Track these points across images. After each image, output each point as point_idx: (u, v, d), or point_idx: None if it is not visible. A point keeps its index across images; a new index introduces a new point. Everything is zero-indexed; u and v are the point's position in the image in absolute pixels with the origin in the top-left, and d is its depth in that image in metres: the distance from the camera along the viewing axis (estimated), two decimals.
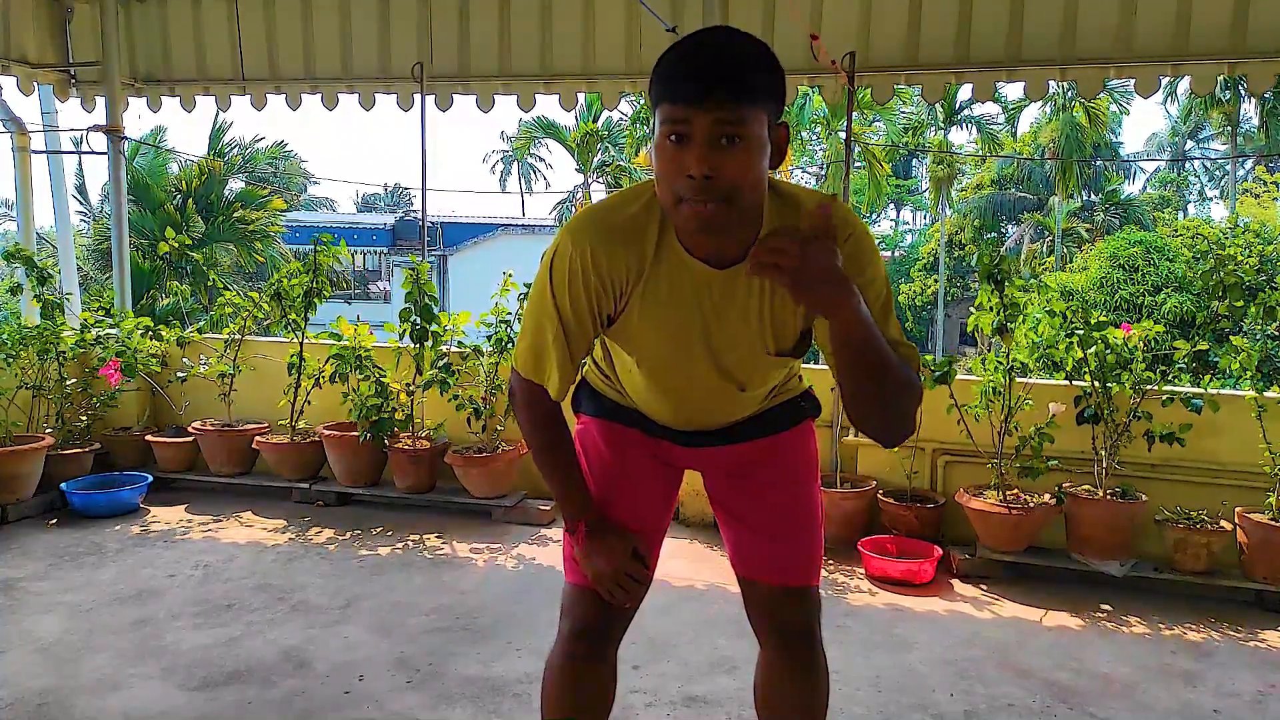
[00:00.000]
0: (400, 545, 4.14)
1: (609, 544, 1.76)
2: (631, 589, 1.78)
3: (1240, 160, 29.23)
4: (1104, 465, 3.83)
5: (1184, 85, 22.50)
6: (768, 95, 1.41)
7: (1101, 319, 3.85)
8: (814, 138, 29.76)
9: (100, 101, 5.50)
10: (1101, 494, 3.81)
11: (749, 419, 1.82)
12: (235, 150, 20.19)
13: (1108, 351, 3.79)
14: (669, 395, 1.76)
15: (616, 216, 1.57)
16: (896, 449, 4.07)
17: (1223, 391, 3.95)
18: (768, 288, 1.56)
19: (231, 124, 20.77)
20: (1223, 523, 3.71)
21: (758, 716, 1.95)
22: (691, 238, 1.53)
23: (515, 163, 39.30)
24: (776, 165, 1.46)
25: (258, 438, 4.89)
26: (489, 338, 4.65)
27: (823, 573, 1.91)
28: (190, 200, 17.71)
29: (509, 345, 4.59)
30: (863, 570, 3.86)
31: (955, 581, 3.82)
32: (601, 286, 1.57)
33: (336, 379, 4.64)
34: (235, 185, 19.68)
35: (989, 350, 4.11)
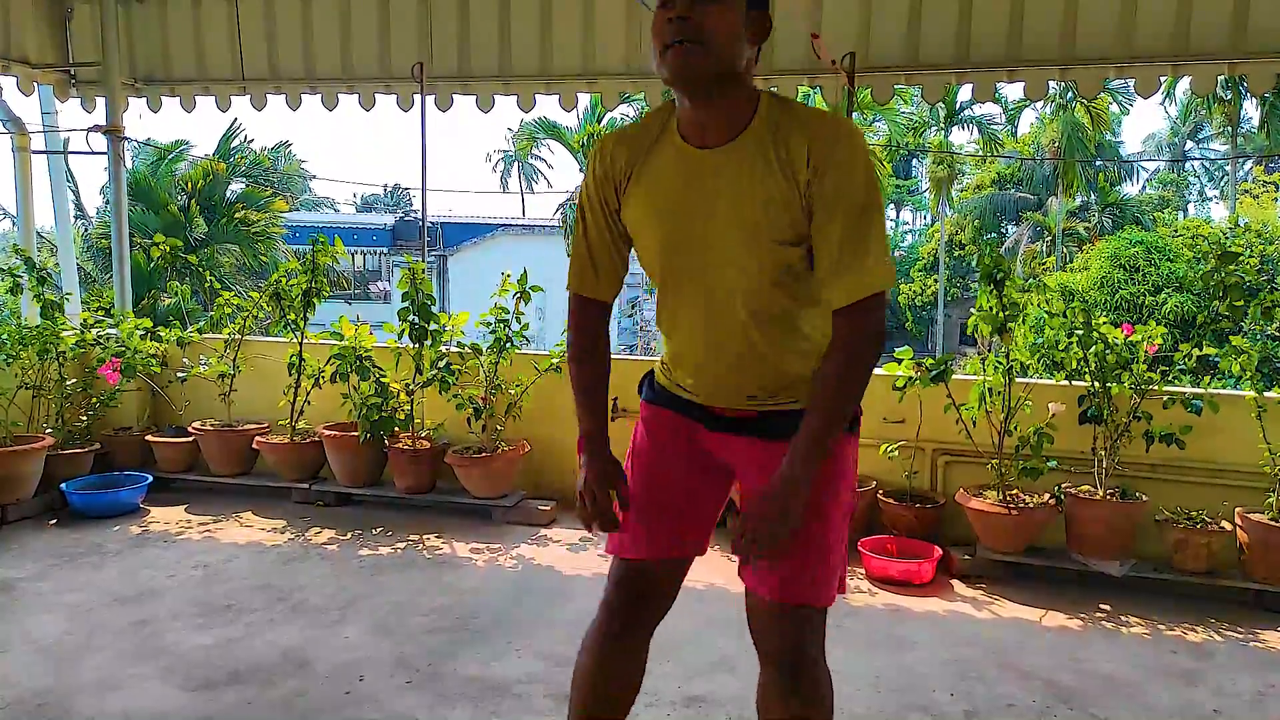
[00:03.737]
0: (400, 545, 4.14)
1: (593, 465, 1.91)
2: (596, 516, 1.91)
3: (1240, 160, 29.22)
4: (1104, 465, 3.83)
5: (1184, 85, 22.56)
6: None
7: (1103, 322, 3.85)
8: None
9: (100, 102, 5.50)
10: (1101, 494, 3.81)
11: (775, 413, 1.82)
12: (237, 153, 20.19)
13: (1108, 352, 3.79)
14: (685, 322, 1.83)
15: (633, 124, 1.84)
16: (896, 451, 4.07)
17: (1223, 392, 3.95)
18: (753, 168, 1.67)
19: (242, 127, 20.73)
20: (1223, 523, 3.71)
21: None
22: (685, 121, 1.72)
23: (516, 163, 39.34)
24: (757, 42, 1.69)
25: (258, 438, 4.89)
26: (488, 337, 4.65)
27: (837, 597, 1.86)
28: (194, 201, 17.72)
29: (508, 345, 4.59)
30: (863, 570, 3.86)
31: (955, 581, 3.82)
32: (605, 176, 1.81)
33: (337, 379, 4.64)
34: (236, 186, 19.67)
35: (989, 351, 4.11)
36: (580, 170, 27.70)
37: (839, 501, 1.85)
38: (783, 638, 1.82)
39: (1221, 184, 34.85)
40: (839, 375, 1.69)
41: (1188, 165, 36.19)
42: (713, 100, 1.68)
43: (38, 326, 4.75)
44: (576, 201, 1.86)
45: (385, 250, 32.47)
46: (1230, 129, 27.53)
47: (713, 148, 1.70)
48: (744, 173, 1.68)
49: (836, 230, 1.64)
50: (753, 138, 1.68)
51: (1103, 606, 3.59)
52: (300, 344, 4.79)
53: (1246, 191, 27.28)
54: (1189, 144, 34.31)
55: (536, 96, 5.21)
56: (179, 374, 5.05)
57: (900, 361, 4.05)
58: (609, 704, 1.97)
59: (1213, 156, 34.76)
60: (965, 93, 24.40)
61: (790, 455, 1.70)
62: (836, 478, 1.84)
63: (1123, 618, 3.48)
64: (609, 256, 1.87)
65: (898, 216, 43.63)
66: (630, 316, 38.33)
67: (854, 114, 4.90)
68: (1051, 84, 4.60)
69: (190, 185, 17.94)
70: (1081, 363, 3.85)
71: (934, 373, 3.94)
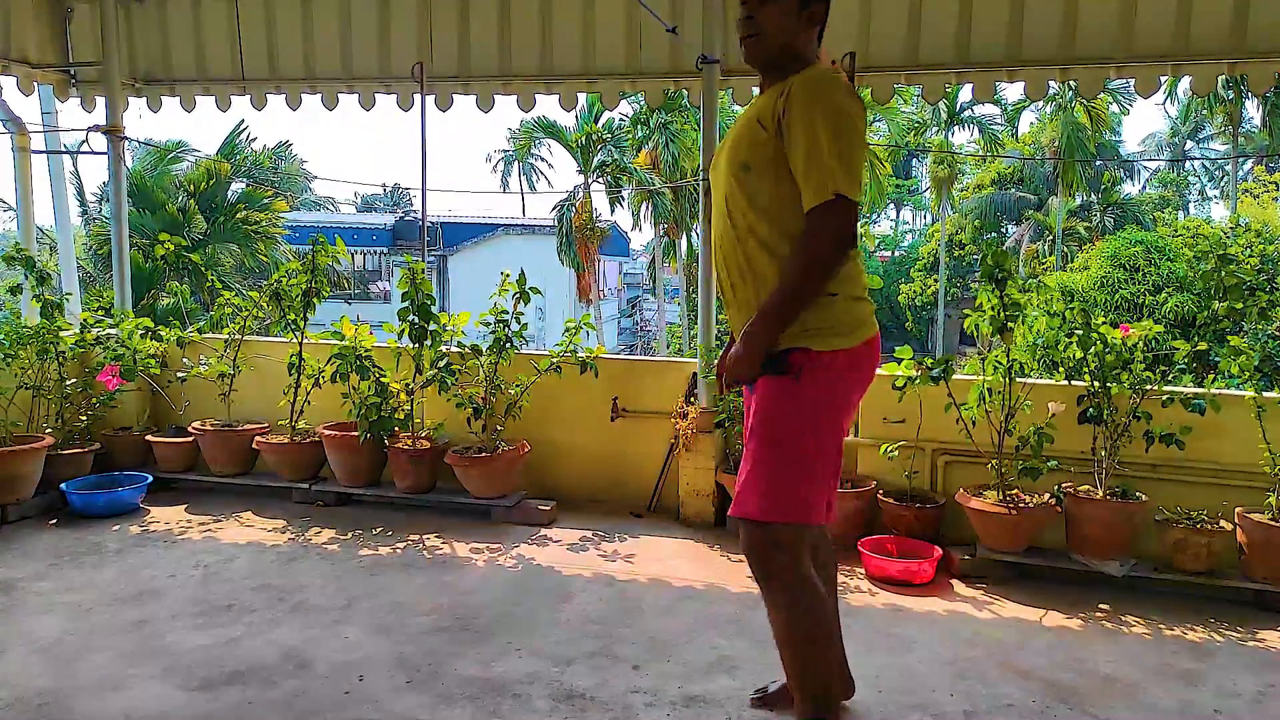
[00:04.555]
0: (400, 545, 4.14)
1: (727, 351, 2.52)
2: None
3: (1240, 160, 29.21)
4: (1104, 465, 3.83)
5: (1184, 85, 22.54)
6: None
7: (1102, 322, 3.85)
8: None
9: (100, 101, 5.49)
10: (1101, 494, 3.80)
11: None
12: (239, 153, 20.18)
13: (1107, 351, 3.79)
14: (713, 244, 2.39)
15: None
16: (896, 451, 4.07)
17: (1223, 391, 3.94)
18: (755, 107, 2.25)
19: (246, 127, 20.76)
20: (1223, 523, 3.71)
21: None
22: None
23: (516, 163, 39.37)
24: (816, 23, 2.24)
25: (258, 438, 4.89)
26: (488, 337, 4.65)
27: (771, 516, 2.21)
28: (193, 201, 17.70)
29: (508, 345, 4.59)
30: (862, 570, 3.86)
31: (955, 581, 3.82)
32: None
33: (337, 379, 4.64)
34: (237, 186, 19.66)
35: (988, 350, 4.11)
36: (579, 170, 27.77)
37: (763, 433, 2.21)
38: (742, 544, 2.29)
39: (1222, 184, 34.86)
40: (792, 263, 2.12)
41: (1188, 165, 36.19)
42: (773, 73, 2.25)
43: (37, 326, 4.75)
44: None
45: (385, 250, 32.47)
46: (1231, 128, 27.52)
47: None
48: (750, 111, 2.27)
49: (800, 147, 2.08)
50: (774, 89, 2.20)
51: (1103, 606, 3.59)
52: (300, 344, 4.79)
53: (1247, 191, 27.26)
54: (1189, 144, 34.31)
55: (536, 96, 5.21)
56: (179, 374, 5.05)
57: (900, 361, 4.05)
58: None
59: (1213, 156, 34.75)
60: (965, 93, 24.42)
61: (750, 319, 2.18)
62: (764, 410, 2.21)
63: (1123, 618, 3.48)
64: None
65: (898, 216, 43.61)
66: (630, 317, 38.30)
67: None
68: (1051, 84, 4.59)
69: (192, 186, 17.92)
70: (1081, 363, 3.85)
71: (934, 372, 3.94)
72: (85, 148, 5.40)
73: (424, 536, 4.25)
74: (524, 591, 3.61)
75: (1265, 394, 3.72)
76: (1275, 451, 3.65)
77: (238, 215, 18.15)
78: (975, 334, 3.92)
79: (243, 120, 21.24)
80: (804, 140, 2.07)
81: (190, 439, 4.97)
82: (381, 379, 4.63)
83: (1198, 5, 4.16)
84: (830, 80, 2.14)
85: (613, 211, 30.35)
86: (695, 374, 4.62)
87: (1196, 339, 3.80)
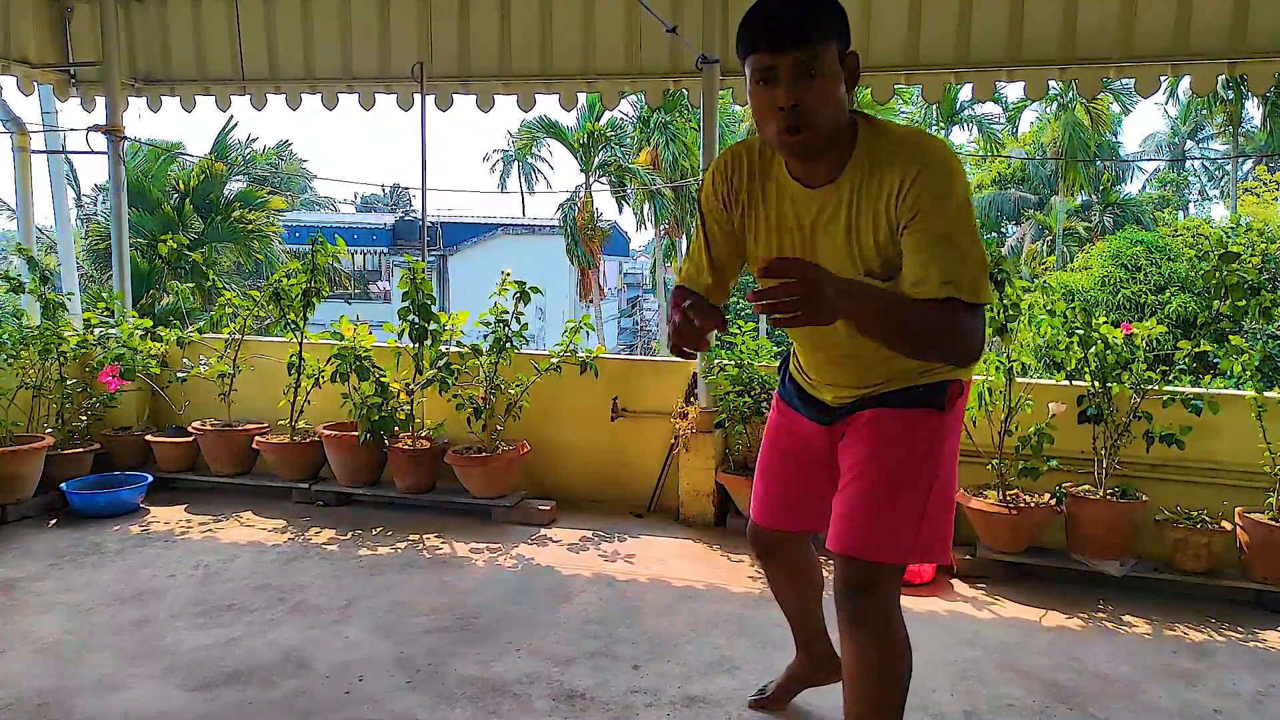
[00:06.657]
0: (400, 545, 4.14)
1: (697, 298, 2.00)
2: (681, 330, 1.86)
3: (1240, 159, 29.22)
4: (1104, 465, 3.83)
5: (1184, 85, 22.56)
6: (833, 31, 1.72)
7: (1103, 322, 3.85)
8: None
9: (100, 101, 5.49)
10: (1101, 494, 3.80)
11: (873, 396, 2.02)
12: (235, 151, 20.20)
13: (1108, 351, 3.79)
14: (798, 335, 2.09)
15: (742, 145, 1.98)
16: None
17: (1223, 392, 3.94)
18: (853, 205, 1.82)
19: (236, 124, 20.82)
20: (1223, 523, 3.71)
21: None
22: (793, 163, 1.86)
23: (516, 163, 39.39)
24: (853, 88, 1.78)
25: (258, 438, 4.89)
26: (488, 337, 4.65)
27: (920, 558, 2.03)
28: (188, 200, 17.69)
29: (508, 345, 4.59)
30: None
31: (955, 581, 3.82)
32: (725, 194, 1.98)
33: (337, 379, 4.64)
34: (234, 185, 19.66)
35: (989, 350, 4.10)
36: (580, 169, 27.76)
37: (911, 470, 1.96)
38: (838, 582, 1.97)
39: (1222, 184, 34.85)
40: (930, 310, 1.75)
41: (1188, 165, 36.19)
42: (825, 152, 1.80)
43: (39, 326, 4.75)
44: (700, 213, 2.09)
45: (385, 250, 32.48)
46: (1232, 128, 27.52)
47: (816, 187, 1.85)
48: (840, 211, 1.83)
49: (926, 256, 1.76)
50: (851, 175, 1.81)
51: (1103, 606, 3.59)
52: (300, 344, 4.79)
53: (1248, 190, 27.27)
54: (1189, 144, 34.31)
55: (536, 96, 5.21)
56: (179, 374, 5.05)
57: None
58: (789, 599, 2.48)
59: (1212, 156, 34.75)
60: (965, 93, 24.42)
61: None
62: (909, 444, 1.98)
63: (1123, 618, 3.48)
64: (723, 254, 2.07)
65: None
66: (630, 316, 38.30)
67: None
68: (1051, 84, 4.60)
69: (185, 185, 17.91)
70: (1081, 362, 3.85)
71: None
72: (86, 147, 5.40)
73: (424, 536, 4.25)
74: (524, 591, 3.61)
75: (1265, 394, 3.73)
76: (1275, 451, 3.65)
77: (233, 214, 18.14)
78: None
79: (231, 117, 21.23)
80: (933, 249, 1.77)
81: (190, 439, 4.97)
82: (381, 379, 4.62)
83: (1198, 5, 4.16)
84: (955, 162, 1.79)
85: (620, 211, 30.37)
86: (695, 374, 4.62)
87: (1199, 339, 3.80)
